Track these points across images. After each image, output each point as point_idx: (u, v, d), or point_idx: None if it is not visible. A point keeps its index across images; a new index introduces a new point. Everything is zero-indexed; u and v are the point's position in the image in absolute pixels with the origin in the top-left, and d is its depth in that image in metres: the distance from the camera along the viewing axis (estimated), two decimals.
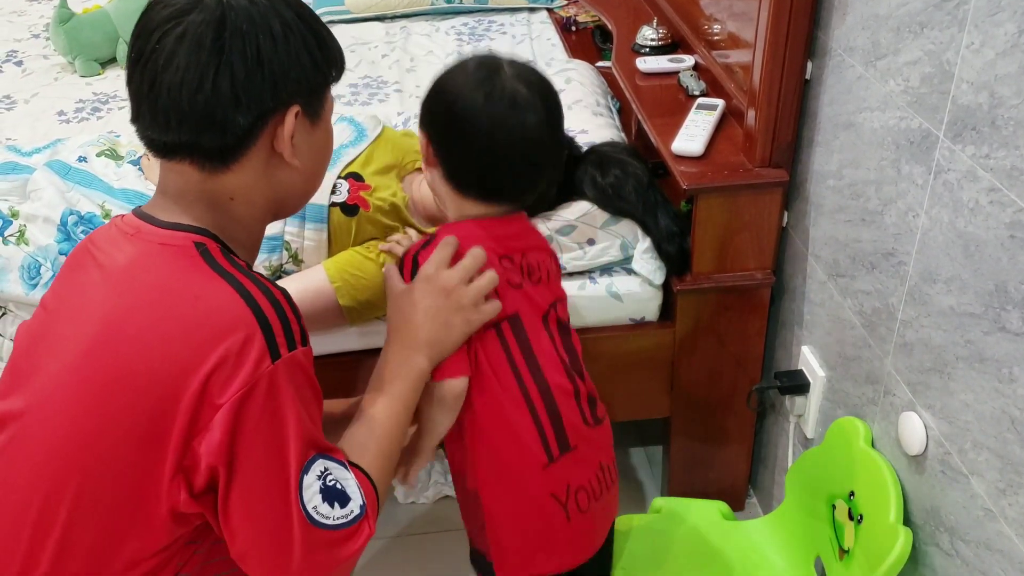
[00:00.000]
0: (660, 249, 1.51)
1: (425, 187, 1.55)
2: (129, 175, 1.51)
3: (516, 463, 1.12)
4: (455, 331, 1.06)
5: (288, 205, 1.03)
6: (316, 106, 0.98)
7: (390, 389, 1.04)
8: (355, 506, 0.89)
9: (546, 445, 1.12)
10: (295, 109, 0.93)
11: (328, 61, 0.98)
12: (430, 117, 1.15)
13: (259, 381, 0.83)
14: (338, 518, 0.87)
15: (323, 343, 1.54)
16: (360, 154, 1.54)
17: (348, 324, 1.48)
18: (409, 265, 1.13)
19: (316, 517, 0.86)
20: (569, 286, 1.55)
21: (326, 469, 0.88)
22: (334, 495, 0.87)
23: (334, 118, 1.61)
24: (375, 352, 1.55)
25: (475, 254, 1.09)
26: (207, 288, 0.87)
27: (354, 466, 0.95)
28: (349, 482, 0.90)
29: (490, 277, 1.09)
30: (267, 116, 0.92)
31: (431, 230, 1.51)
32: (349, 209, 1.47)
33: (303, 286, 1.44)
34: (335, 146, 1.53)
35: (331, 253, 1.47)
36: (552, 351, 1.15)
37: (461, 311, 1.06)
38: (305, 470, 0.86)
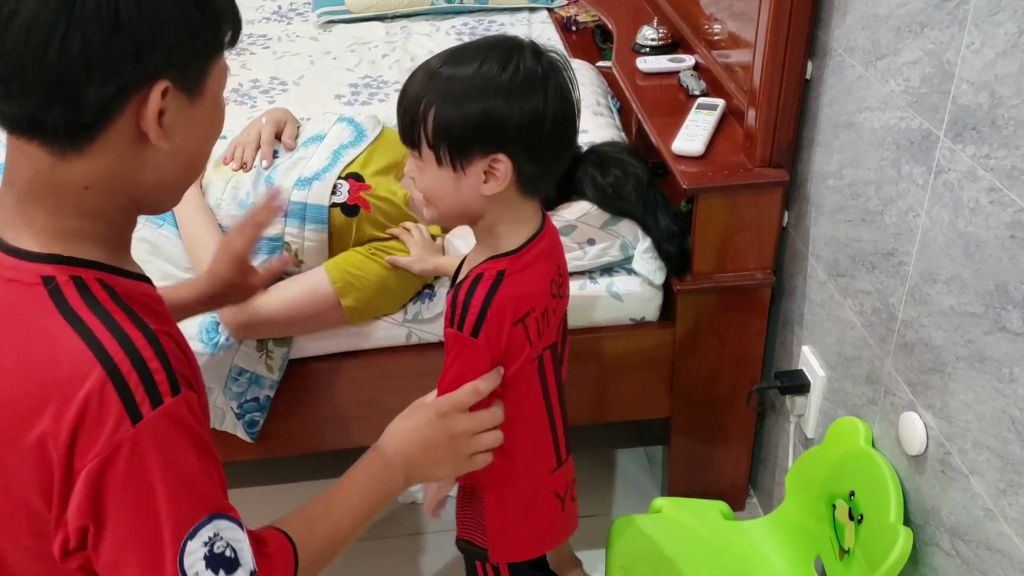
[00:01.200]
0: (660, 249, 1.52)
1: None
2: None
3: (530, 470, 1.15)
4: (441, 470, 1.05)
5: (161, 197, 0.86)
6: (195, 79, 0.81)
7: (360, 489, 1.00)
8: (244, 572, 0.80)
9: (558, 452, 1.18)
10: (163, 84, 0.76)
11: (211, 24, 0.80)
12: (493, 136, 1.00)
13: (119, 447, 0.73)
14: None
15: (323, 343, 1.54)
16: (360, 154, 1.54)
17: (349, 324, 1.48)
18: (475, 315, 1.04)
19: None
20: (569, 286, 1.55)
21: (216, 534, 0.78)
22: (221, 562, 0.78)
23: (332, 119, 1.63)
24: (374, 351, 1.57)
25: (491, 381, 1.05)
26: (48, 338, 0.76)
27: (285, 536, 0.90)
28: (241, 545, 0.81)
29: (494, 436, 1.06)
30: (129, 90, 0.75)
31: (434, 231, 1.52)
32: (349, 209, 1.47)
33: (305, 287, 1.44)
34: (335, 146, 1.54)
35: (332, 254, 1.48)
36: (561, 358, 1.18)
37: (456, 458, 1.05)
38: (191, 535, 0.76)
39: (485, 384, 1.05)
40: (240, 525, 0.81)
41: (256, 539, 0.85)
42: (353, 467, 1.02)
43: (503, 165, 1.00)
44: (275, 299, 1.43)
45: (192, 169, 0.87)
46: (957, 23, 0.99)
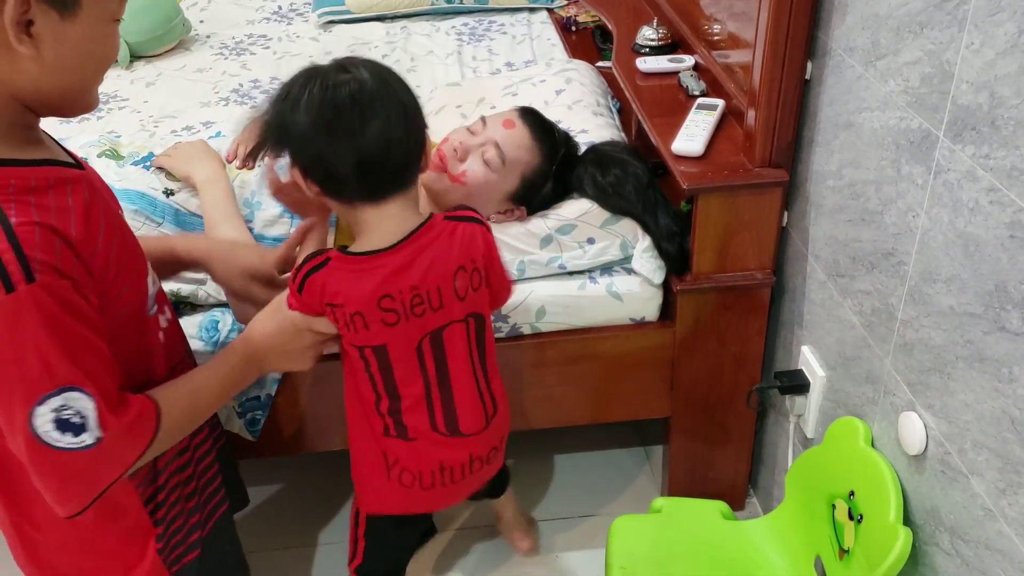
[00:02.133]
0: (660, 248, 1.52)
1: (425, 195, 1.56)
2: (131, 175, 1.51)
3: (360, 429, 1.32)
4: (286, 367, 1.26)
5: (44, 103, 0.94)
6: None
7: (220, 378, 1.17)
8: (89, 436, 0.94)
9: (385, 422, 1.28)
10: None
11: None
12: (295, 153, 1.15)
13: None
14: (69, 443, 0.94)
15: None
16: None
17: None
18: (299, 281, 1.17)
19: (48, 440, 0.93)
20: (569, 286, 1.55)
21: (63, 405, 0.92)
22: (68, 427, 0.93)
23: None
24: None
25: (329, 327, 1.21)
26: None
27: (153, 403, 1.03)
28: (89, 414, 0.94)
29: (328, 345, 1.26)
30: None
31: None
32: None
33: None
34: None
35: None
36: (420, 382, 1.26)
37: (300, 360, 1.25)
38: (40, 402, 0.91)
39: (325, 326, 1.20)
40: (92, 398, 0.94)
41: (122, 400, 0.99)
42: (218, 356, 1.19)
43: (296, 172, 1.15)
44: None
45: (69, 88, 0.94)
46: (957, 23, 0.99)
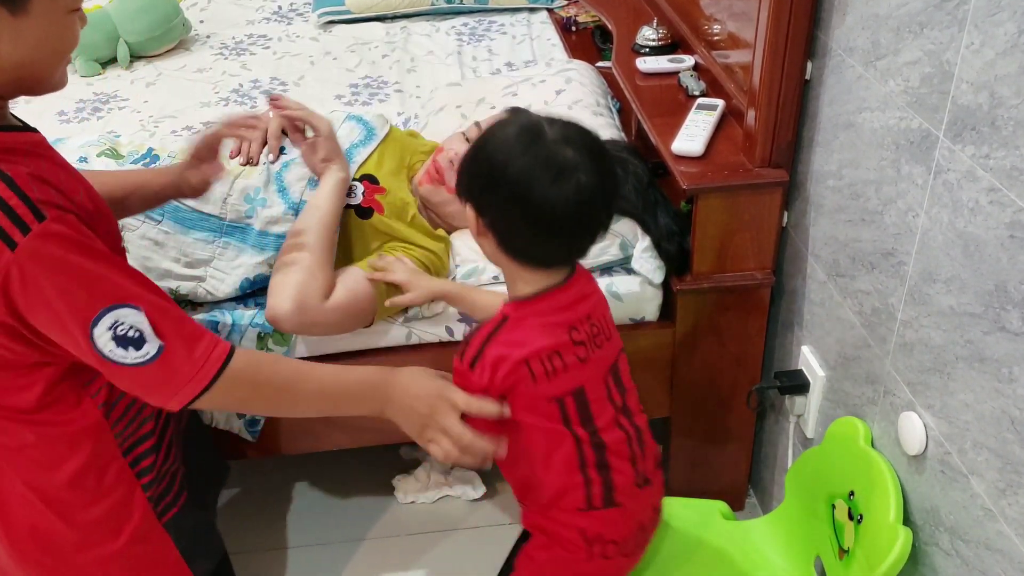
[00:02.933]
0: (660, 248, 1.52)
1: (429, 194, 1.56)
2: None
3: (554, 502, 1.18)
4: (405, 426, 1.16)
5: (6, 91, 0.98)
6: None
7: (342, 383, 1.16)
8: (150, 347, 0.99)
9: (589, 494, 1.16)
10: None
11: None
12: (477, 191, 1.08)
13: (8, 270, 0.91)
14: (136, 358, 0.99)
15: (324, 344, 1.54)
16: (372, 153, 1.55)
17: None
18: (474, 351, 1.10)
19: (113, 357, 0.98)
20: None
21: (117, 321, 0.97)
22: (128, 342, 0.98)
23: (340, 117, 1.63)
24: (374, 351, 1.57)
25: (489, 408, 1.09)
26: None
27: (229, 346, 1.05)
28: (144, 327, 0.99)
29: (454, 454, 1.12)
30: None
31: (433, 244, 1.52)
32: (364, 212, 1.49)
33: (353, 291, 1.41)
34: (345, 145, 1.54)
35: (342, 252, 1.48)
36: (613, 421, 1.17)
37: (420, 431, 1.14)
38: (94, 324, 0.96)
39: (486, 408, 1.09)
40: (140, 310, 0.98)
41: (195, 330, 1.03)
42: (355, 369, 1.16)
43: (474, 213, 1.08)
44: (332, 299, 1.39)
45: (29, 78, 0.97)
46: (957, 23, 0.99)
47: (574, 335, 1.11)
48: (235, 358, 1.05)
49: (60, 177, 0.99)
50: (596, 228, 1.10)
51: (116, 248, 1.10)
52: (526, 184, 1.02)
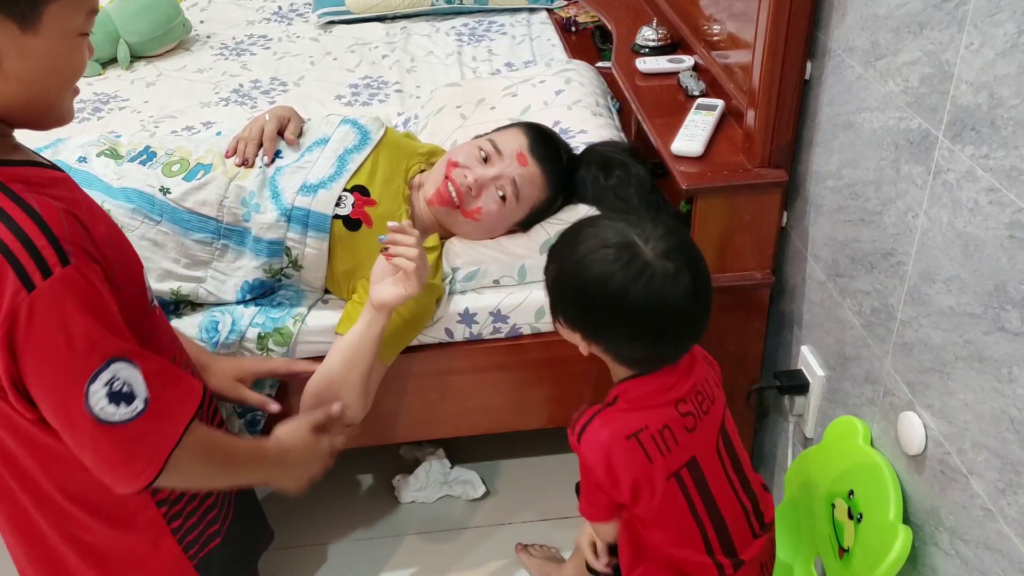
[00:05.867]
0: None
1: (424, 203, 1.56)
2: (129, 173, 1.51)
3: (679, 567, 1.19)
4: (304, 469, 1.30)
5: (12, 116, 0.96)
6: (26, 10, 0.88)
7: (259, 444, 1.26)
8: (139, 401, 0.97)
9: (711, 553, 1.18)
10: None
11: None
12: (591, 324, 1.13)
13: (18, 311, 0.89)
14: (123, 415, 0.96)
15: (324, 344, 1.54)
16: (366, 160, 1.54)
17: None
18: (582, 425, 1.14)
19: (104, 418, 0.95)
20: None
21: (114, 376, 0.95)
22: (120, 397, 0.96)
23: (335, 121, 1.63)
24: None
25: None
26: None
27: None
28: (136, 380, 0.97)
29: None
30: None
31: (429, 243, 1.52)
32: (352, 223, 1.48)
33: (375, 381, 1.46)
34: (339, 151, 1.54)
35: (330, 263, 1.48)
36: (725, 481, 1.19)
37: (317, 459, 1.31)
38: (92, 379, 0.94)
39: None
40: (136, 365, 0.97)
41: (165, 362, 1.03)
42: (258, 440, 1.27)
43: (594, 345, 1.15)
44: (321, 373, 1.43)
45: (35, 102, 0.95)
46: (956, 23, 0.99)
47: (680, 407, 1.14)
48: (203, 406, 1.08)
49: (85, 213, 0.98)
50: (701, 328, 1.13)
51: (134, 302, 1.07)
52: (633, 307, 1.06)
